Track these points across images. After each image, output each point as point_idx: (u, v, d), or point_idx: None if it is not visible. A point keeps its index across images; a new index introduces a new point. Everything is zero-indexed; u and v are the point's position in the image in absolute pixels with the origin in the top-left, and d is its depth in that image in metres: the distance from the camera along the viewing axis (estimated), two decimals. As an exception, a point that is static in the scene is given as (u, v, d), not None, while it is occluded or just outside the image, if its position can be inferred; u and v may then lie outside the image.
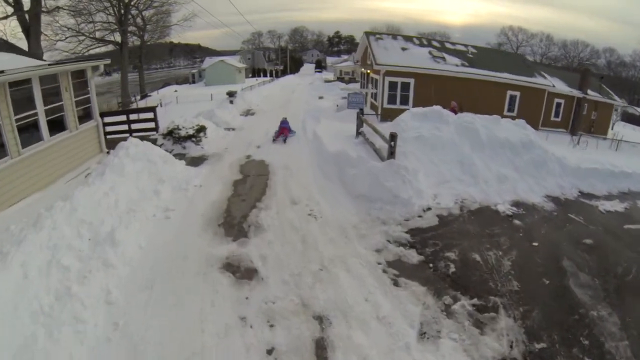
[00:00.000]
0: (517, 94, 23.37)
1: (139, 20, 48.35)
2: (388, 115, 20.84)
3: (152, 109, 15.94)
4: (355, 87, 37.56)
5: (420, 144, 11.40)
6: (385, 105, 21.07)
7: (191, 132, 14.99)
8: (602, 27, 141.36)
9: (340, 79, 49.64)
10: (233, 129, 19.01)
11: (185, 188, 10.25)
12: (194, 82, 64.77)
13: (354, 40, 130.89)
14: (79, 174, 11.22)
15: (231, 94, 25.67)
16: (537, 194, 10.95)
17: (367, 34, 23.48)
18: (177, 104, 33.17)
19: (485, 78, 22.10)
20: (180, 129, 15.05)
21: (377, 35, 23.70)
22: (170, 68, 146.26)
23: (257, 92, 34.11)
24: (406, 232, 8.30)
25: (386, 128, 12.58)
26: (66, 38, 42.18)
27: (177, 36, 54.87)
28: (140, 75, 51.67)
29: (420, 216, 9.04)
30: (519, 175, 11.59)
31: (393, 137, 9.61)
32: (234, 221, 8.48)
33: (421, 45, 24.33)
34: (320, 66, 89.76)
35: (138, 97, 50.68)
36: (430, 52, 23.12)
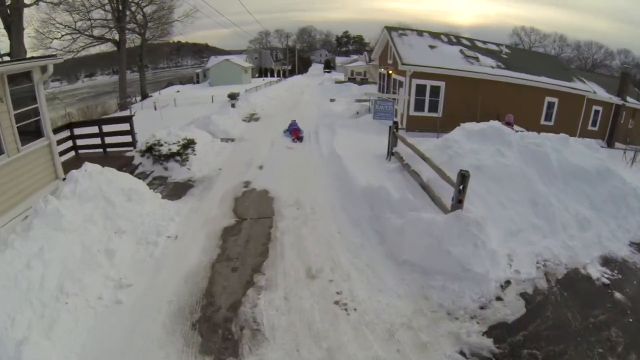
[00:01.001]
0: (556, 100, 19.96)
1: (139, 17, 45.35)
2: (415, 125, 17.61)
3: (127, 119, 12.74)
4: (369, 89, 34.25)
5: (482, 176, 8.10)
6: (412, 113, 17.76)
7: (175, 148, 11.80)
8: (612, 28, 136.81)
9: (351, 79, 46.34)
10: (232, 140, 15.82)
11: (154, 242, 7.04)
12: (198, 82, 61.71)
13: (363, 40, 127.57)
14: (17, 215, 8.03)
15: (233, 96, 22.49)
16: (621, 242, 7.86)
17: (389, 29, 20.18)
18: (175, 107, 30.07)
19: (523, 82, 18.72)
20: (161, 145, 11.87)
21: (400, 31, 20.39)
22: (177, 68, 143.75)
23: (262, 93, 30.94)
24: (486, 334, 5.08)
25: (429, 150, 9.35)
26: (62, 36, 39.43)
27: (179, 34, 51.57)
28: (141, 75, 48.62)
29: (499, 298, 5.79)
30: (597, 216, 8.37)
31: (464, 178, 6.30)
32: (218, 317, 5.20)
33: (450, 43, 20.97)
34: (329, 66, 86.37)
35: (138, 98, 47.81)
36: (461, 52, 19.76)
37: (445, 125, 16.38)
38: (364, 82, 40.52)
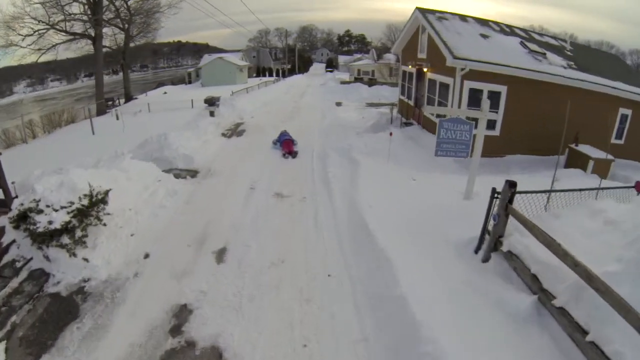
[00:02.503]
0: (629, 112, 14.00)
1: (123, 11, 39.32)
2: None
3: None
4: (382, 90, 28.23)
5: None
6: (463, 128, 11.77)
7: (62, 218, 5.90)
8: (611, 28, 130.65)
9: (358, 79, 40.45)
10: (194, 174, 9.97)
11: None
12: (190, 83, 55.58)
13: (365, 39, 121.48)
14: None
15: (211, 102, 16.52)
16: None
17: (423, 11, 14.16)
18: (148, 113, 24.08)
19: (601, 89, 12.78)
20: (40, 211, 5.98)
21: (439, 14, 14.38)
22: (177, 67, 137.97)
23: (254, 96, 24.90)
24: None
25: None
26: (34, 32, 33.46)
27: (162, 27, 45.12)
28: (125, 76, 42.61)
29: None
30: None
31: None
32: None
33: (504, 32, 15.03)
34: (331, 65, 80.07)
35: (122, 101, 41.86)
36: (522, 44, 13.82)
37: (503, 149, 11.99)
38: (372, 82, 34.58)
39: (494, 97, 11.76)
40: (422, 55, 14.57)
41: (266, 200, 7.94)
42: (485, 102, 6.96)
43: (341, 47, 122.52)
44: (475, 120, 7.39)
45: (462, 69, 11.14)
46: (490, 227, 5.04)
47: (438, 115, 12.73)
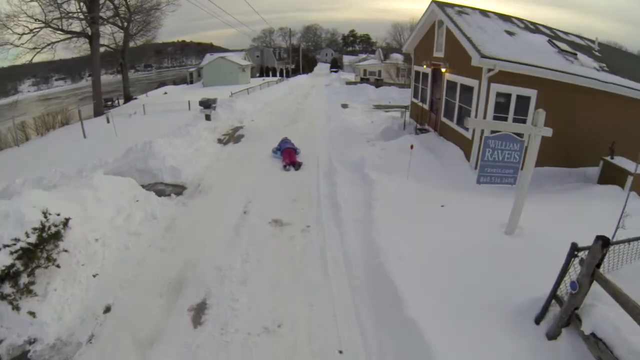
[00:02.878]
0: None
1: (122, 9, 38.03)
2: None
3: None
4: (389, 91, 26.79)
5: None
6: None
7: (8, 261, 4.58)
8: (612, 28, 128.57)
9: (364, 79, 38.99)
10: (180, 191, 8.64)
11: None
12: (191, 83, 54.16)
13: (370, 39, 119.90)
14: None
15: (207, 104, 15.13)
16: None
17: (441, 4, 12.70)
18: (143, 115, 22.76)
19: (636, 95, 11.28)
20: None
21: (458, 8, 12.93)
22: (181, 67, 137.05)
23: (255, 97, 23.51)
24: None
25: None
26: (30, 31, 32.19)
27: (163, 26, 43.77)
28: (124, 75, 41.29)
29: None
30: None
31: None
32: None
33: (528, 29, 13.54)
34: (336, 65, 78.52)
35: (121, 101, 40.61)
36: (551, 43, 12.36)
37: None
38: (379, 83, 33.12)
39: (522, 102, 10.34)
40: (438, 54, 13.13)
41: (261, 229, 6.55)
42: (540, 115, 5.47)
43: (345, 47, 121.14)
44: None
45: (490, 70, 9.69)
46: (561, 293, 3.64)
47: (443, 130, 11.55)
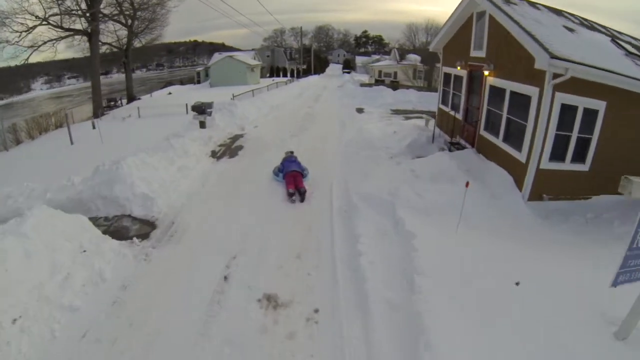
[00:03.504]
0: None
1: (126, 5, 36.13)
2: (549, 187, 8.12)
3: None
4: (408, 94, 24.36)
5: None
6: (546, 164, 8.07)
7: None
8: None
9: (379, 81, 36.45)
10: (147, 232, 6.41)
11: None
12: (199, 82, 52.08)
13: (382, 40, 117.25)
14: None
15: (200, 110, 12.86)
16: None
17: (482, -8, 10.37)
18: (138, 119, 20.66)
19: None
20: None
21: (504, -5, 10.57)
22: (193, 66, 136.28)
23: (261, 99, 21.18)
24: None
25: None
26: (29, 29, 30.36)
27: (168, 25, 41.83)
28: (127, 75, 39.46)
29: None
30: None
31: None
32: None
33: (585, 26, 11.11)
34: (348, 66, 75.95)
35: (124, 101, 38.77)
36: (616, 43, 9.98)
37: (590, 188, 8.17)
38: (395, 85, 30.67)
39: (588, 116, 7.94)
40: (477, 53, 10.70)
41: (245, 315, 4.23)
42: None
43: (358, 48, 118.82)
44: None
45: (558, 76, 7.29)
46: None
47: (483, 146, 8.95)
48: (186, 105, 18.58)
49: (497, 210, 7.04)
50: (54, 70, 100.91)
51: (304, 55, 58.41)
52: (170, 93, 39.76)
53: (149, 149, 9.33)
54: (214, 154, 11.06)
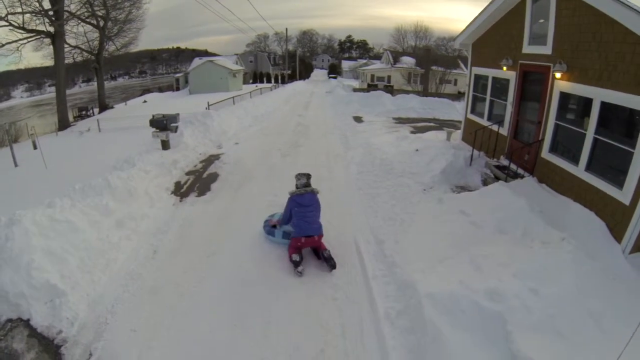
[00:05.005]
0: None
1: (97, 4, 32.32)
2: None
3: None
4: (409, 100, 21.39)
5: None
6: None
7: None
8: None
9: (372, 86, 33.51)
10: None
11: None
12: (178, 89, 48.15)
13: (367, 45, 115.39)
14: None
15: (161, 125, 9.50)
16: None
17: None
18: (98, 133, 17.16)
19: None
20: None
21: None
22: (175, 73, 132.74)
23: (243, 108, 17.81)
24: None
25: None
26: None
27: (163, 39, 38.13)
28: (99, 82, 35.54)
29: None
30: None
31: None
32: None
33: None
34: (334, 71, 73.04)
35: (96, 110, 34.85)
36: None
37: None
38: (390, 90, 27.69)
39: None
40: (536, 48, 7.68)
41: None
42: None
43: (342, 53, 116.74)
44: None
45: None
46: None
47: (550, 174, 5.76)
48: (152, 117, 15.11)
49: (591, 268, 4.15)
50: (35, 78, 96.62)
51: (288, 61, 55.19)
52: (145, 101, 36.02)
53: (76, 190, 6.01)
54: (177, 189, 7.78)
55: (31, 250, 4.44)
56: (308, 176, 5.45)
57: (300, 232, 5.02)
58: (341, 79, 58.61)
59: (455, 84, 35.32)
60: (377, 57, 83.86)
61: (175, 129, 9.78)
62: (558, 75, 6.85)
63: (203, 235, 5.78)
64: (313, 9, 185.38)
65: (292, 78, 54.74)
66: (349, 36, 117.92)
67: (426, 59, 34.21)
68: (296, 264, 4.83)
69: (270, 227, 5.64)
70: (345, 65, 71.09)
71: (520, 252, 5.12)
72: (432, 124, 16.98)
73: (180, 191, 7.68)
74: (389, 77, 36.50)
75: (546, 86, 7.36)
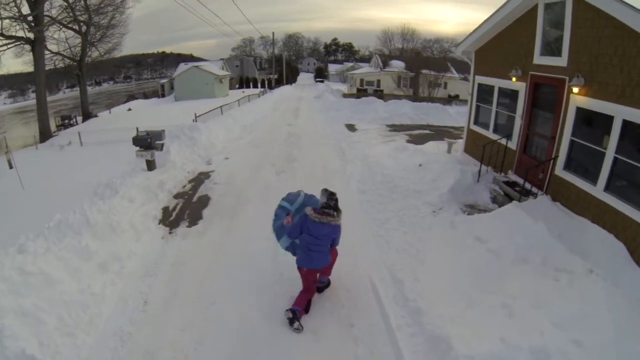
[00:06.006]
0: None
1: (79, 9, 31.12)
2: None
3: None
4: (401, 106, 20.92)
5: None
6: None
7: None
8: None
9: (361, 90, 32.93)
10: None
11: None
12: (163, 96, 46.76)
13: (353, 48, 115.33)
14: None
15: (145, 143, 8.72)
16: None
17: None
18: (80, 147, 16.22)
19: None
20: None
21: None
22: (161, 78, 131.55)
23: (232, 118, 17.06)
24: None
25: None
26: None
27: (148, 43, 36.99)
28: (82, 89, 34.24)
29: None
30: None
31: None
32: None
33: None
34: (321, 75, 72.43)
35: (80, 119, 33.56)
36: None
37: None
38: (380, 94, 27.16)
39: None
40: (549, 60, 7.17)
41: None
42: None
43: (328, 56, 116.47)
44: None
45: None
46: None
47: (564, 192, 5.26)
48: (137, 129, 14.20)
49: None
50: (18, 84, 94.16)
51: (275, 64, 54.48)
52: (130, 109, 34.85)
53: (51, 228, 5.28)
54: (166, 218, 7.06)
55: (1, 313, 3.72)
56: (332, 197, 4.37)
57: (300, 262, 4.38)
58: (328, 82, 58.03)
59: (445, 87, 35.05)
60: (363, 59, 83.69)
61: (161, 147, 9.03)
62: (575, 90, 6.37)
63: (199, 277, 5.09)
64: (298, 12, 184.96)
65: (279, 83, 53.98)
66: (335, 39, 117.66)
67: (416, 63, 33.88)
68: (291, 318, 4.17)
69: (281, 226, 4.61)
70: (332, 68, 70.44)
71: (548, 289, 4.75)
72: (427, 131, 16.54)
73: (169, 220, 6.97)
74: (379, 81, 36.02)
75: (561, 100, 6.88)
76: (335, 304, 4.54)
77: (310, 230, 4.22)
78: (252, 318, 4.27)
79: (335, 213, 4.29)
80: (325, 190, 4.41)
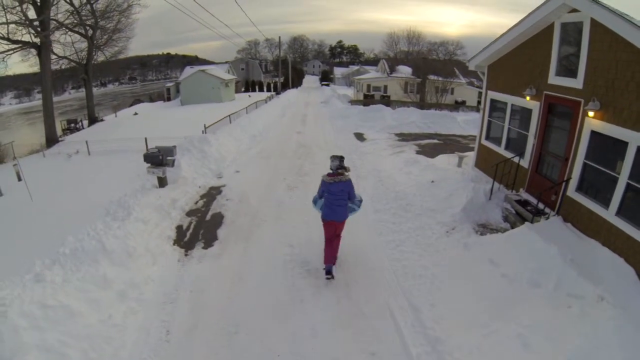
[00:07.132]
0: None
1: (85, 13, 31.35)
2: None
3: None
4: (408, 115, 20.90)
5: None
6: None
7: None
8: None
9: (368, 96, 32.89)
10: None
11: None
12: (169, 99, 47.01)
13: (358, 50, 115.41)
14: None
15: (156, 160, 8.76)
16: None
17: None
18: (88, 156, 16.34)
19: None
20: None
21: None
22: (166, 80, 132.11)
23: (241, 127, 17.14)
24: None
25: None
26: None
27: (153, 44, 37.19)
28: (88, 94, 34.41)
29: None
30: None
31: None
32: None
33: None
34: (327, 78, 72.51)
35: (85, 122, 33.78)
36: None
37: None
38: (386, 100, 27.14)
39: None
40: (564, 81, 7.15)
41: None
42: None
43: (333, 58, 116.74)
44: None
45: None
46: None
47: (576, 214, 5.95)
48: (145, 140, 14.30)
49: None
50: (24, 85, 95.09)
51: (280, 67, 54.63)
52: (136, 113, 35.03)
53: (67, 255, 5.35)
54: (180, 238, 7.12)
55: (24, 349, 3.79)
56: (341, 158, 5.82)
57: (324, 215, 5.68)
58: (334, 86, 58.06)
59: (452, 92, 34.97)
60: (369, 62, 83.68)
61: (172, 163, 9.12)
62: (591, 113, 6.37)
63: (219, 304, 5.14)
64: (302, 14, 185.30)
65: (284, 86, 54.05)
66: (340, 41, 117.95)
67: (423, 68, 33.83)
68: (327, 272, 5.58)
69: (318, 196, 6.01)
70: (338, 72, 70.39)
71: (561, 316, 4.74)
72: (435, 141, 16.57)
73: (183, 240, 7.03)
74: (386, 87, 36.00)
75: (575, 122, 6.88)
76: (357, 331, 4.60)
77: (330, 191, 5.56)
78: (278, 349, 4.32)
79: (344, 171, 5.68)
80: (334, 157, 5.82)
